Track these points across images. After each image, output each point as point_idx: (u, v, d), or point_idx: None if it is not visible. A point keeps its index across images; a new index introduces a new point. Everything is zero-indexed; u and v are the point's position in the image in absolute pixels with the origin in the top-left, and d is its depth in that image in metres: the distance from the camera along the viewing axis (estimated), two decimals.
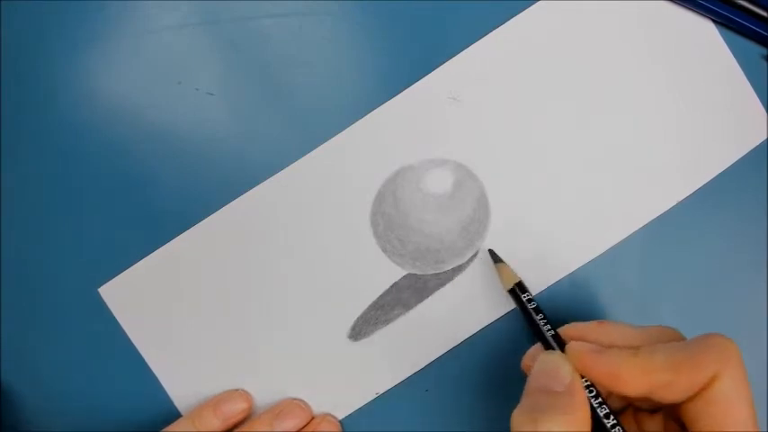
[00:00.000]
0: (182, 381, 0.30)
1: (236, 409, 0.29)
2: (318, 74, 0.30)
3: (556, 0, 0.30)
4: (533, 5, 0.30)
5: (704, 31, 0.30)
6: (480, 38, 0.30)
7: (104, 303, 0.30)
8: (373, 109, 0.30)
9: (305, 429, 0.29)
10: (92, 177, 0.30)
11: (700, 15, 0.30)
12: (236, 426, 0.29)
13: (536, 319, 0.26)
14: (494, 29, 0.30)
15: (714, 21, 0.30)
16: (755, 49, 0.30)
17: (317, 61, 0.30)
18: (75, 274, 0.30)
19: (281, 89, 0.30)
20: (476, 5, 0.30)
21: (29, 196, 0.30)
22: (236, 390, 0.30)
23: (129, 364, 0.30)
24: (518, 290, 0.27)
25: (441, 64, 0.30)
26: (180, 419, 0.29)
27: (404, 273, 0.30)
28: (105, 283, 0.30)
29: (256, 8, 0.30)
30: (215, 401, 0.29)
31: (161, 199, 0.30)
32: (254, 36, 0.30)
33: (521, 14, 0.30)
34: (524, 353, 0.26)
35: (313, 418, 0.30)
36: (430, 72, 0.30)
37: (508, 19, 0.30)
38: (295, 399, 0.30)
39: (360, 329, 0.30)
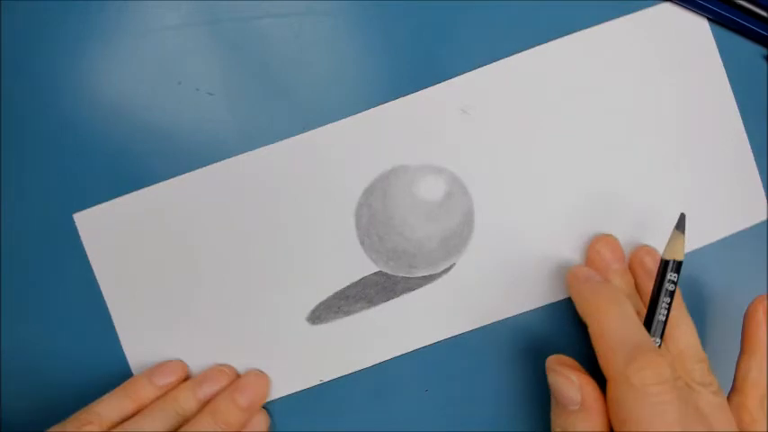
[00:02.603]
0: (136, 331, 0.30)
1: (170, 378, 0.29)
2: (318, 74, 0.30)
3: (580, 39, 0.30)
4: (562, 40, 0.30)
5: (719, 91, 0.30)
6: (483, 45, 0.30)
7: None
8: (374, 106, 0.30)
9: (227, 388, 0.29)
10: (92, 177, 0.30)
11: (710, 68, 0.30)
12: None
13: (663, 303, 0.26)
14: (496, 32, 0.30)
15: (714, 21, 0.30)
16: (755, 49, 0.30)
17: (317, 61, 0.30)
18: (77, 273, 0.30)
19: (281, 89, 0.30)
20: (477, 5, 0.30)
21: (29, 197, 0.30)
22: (173, 360, 0.30)
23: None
24: (673, 268, 0.26)
25: (442, 64, 0.30)
26: (113, 390, 0.29)
27: (376, 269, 0.30)
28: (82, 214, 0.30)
29: (256, 8, 0.30)
30: (150, 371, 0.29)
31: None
32: (254, 36, 0.30)
33: (545, 45, 0.30)
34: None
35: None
36: (431, 73, 0.30)
37: (511, 22, 0.30)
38: (221, 365, 0.30)
39: (319, 314, 0.30)
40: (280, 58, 0.30)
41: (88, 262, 0.30)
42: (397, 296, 0.30)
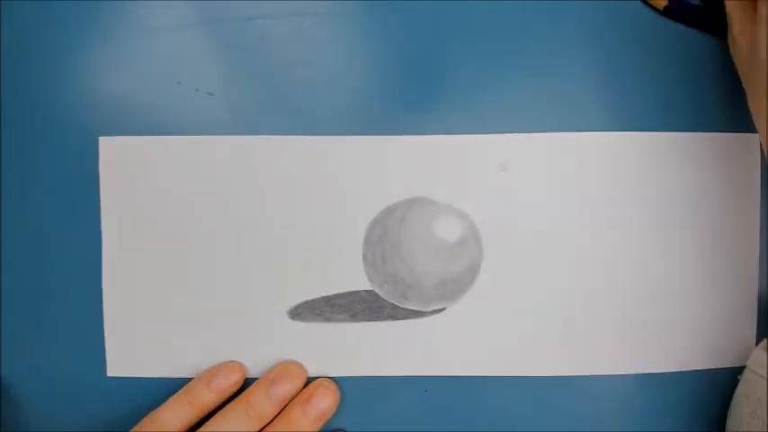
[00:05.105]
0: (121, 275, 0.30)
1: (228, 381, 0.29)
2: (319, 74, 0.30)
3: (640, 138, 0.30)
4: (622, 133, 0.30)
5: (749, 230, 0.30)
6: (485, 44, 0.30)
7: None
8: (374, 109, 0.30)
9: (299, 397, 0.29)
10: (91, 178, 0.30)
11: None
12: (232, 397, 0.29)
13: None
14: (497, 31, 0.30)
15: (713, 31, 0.30)
16: None
17: (318, 61, 0.30)
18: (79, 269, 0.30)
19: (282, 89, 0.30)
20: (480, 5, 0.30)
21: (28, 198, 0.30)
22: (230, 362, 0.30)
23: None
24: None
25: (444, 64, 0.30)
26: (173, 397, 0.29)
27: (369, 287, 0.30)
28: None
29: (256, 8, 0.29)
30: (208, 375, 0.29)
31: None
32: (254, 36, 0.30)
33: (605, 134, 0.30)
34: None
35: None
36: (433, 73, 0.30)
37: (511, 21, 0.30)
38: (288, 362, 0.30)
39: (301, 312, 0.30)
40: (280, 58, 0.30)
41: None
42: (381, 320, 0.30)
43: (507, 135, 0.30)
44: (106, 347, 0.30)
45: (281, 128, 0.30)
